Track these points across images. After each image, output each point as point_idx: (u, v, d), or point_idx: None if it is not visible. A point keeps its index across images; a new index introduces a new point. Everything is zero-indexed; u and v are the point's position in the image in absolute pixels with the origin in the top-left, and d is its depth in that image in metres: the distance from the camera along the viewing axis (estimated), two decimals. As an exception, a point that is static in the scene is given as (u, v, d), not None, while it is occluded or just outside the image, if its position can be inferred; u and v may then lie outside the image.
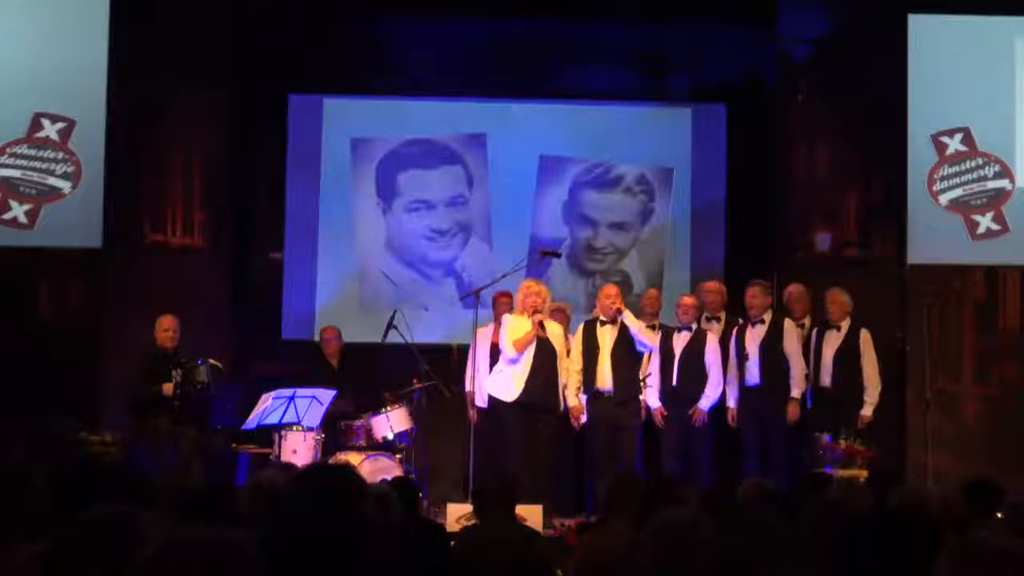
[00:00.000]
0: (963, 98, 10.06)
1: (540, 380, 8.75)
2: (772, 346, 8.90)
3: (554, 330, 8.93)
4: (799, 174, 10.35)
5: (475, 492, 6.97)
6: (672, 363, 8.99)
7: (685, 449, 8.94)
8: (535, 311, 8.69)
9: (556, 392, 8.86)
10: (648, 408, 9.00)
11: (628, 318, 8.80)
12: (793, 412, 8.84)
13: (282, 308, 10.69)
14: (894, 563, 3.22)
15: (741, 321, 9.14)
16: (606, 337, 8.87)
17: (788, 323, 9.00)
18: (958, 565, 2.58)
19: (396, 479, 6.72)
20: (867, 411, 8.83)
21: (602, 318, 8.92)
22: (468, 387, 9.21)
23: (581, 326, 9.09)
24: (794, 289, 9.32)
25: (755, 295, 9.00)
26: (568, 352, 8.97)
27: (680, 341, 9.02)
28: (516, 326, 8.79)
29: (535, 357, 8.75)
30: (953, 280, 10.07)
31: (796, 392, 8.87)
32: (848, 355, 8.90)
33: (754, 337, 8.96)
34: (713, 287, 9.44)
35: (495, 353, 9.04)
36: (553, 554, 5.87)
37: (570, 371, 8.88)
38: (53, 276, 9.95)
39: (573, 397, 8.87)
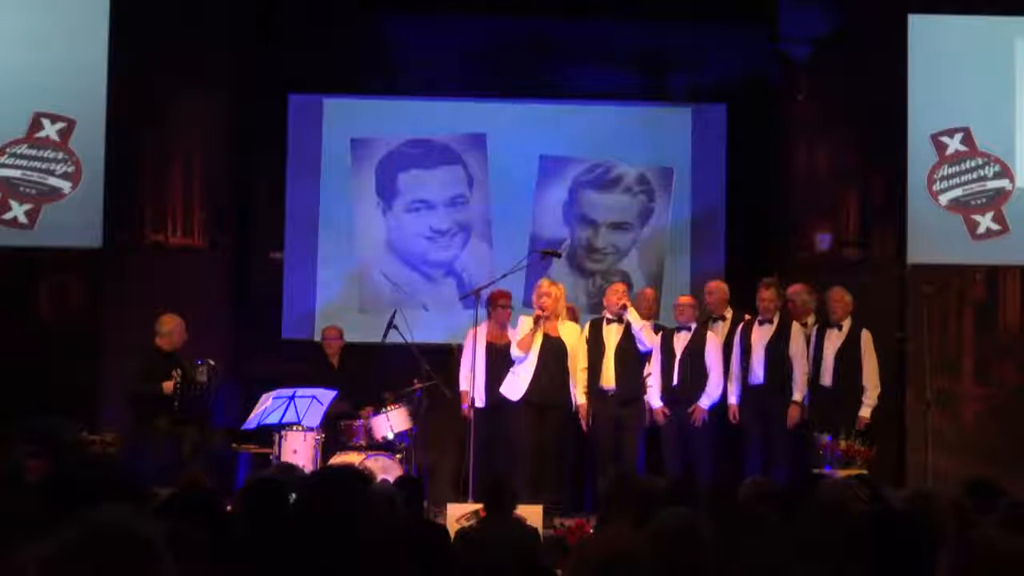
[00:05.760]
0: (963, 98, 10.06)
1: (547, 378, 8.79)
2: (777, 347, 8.89)
3: (570, 329, 8.97)
4: (799, 174, 10.35)
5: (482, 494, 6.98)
6: (673, 363, 8.99)
7: (686, 449, 8.94)
8: (538, 309, 8.74)
9: (566, 389, 8.88)
10: (650, 408, 9.01)
11: (632, 315, 8.83)
12: (793, 415, 8.83)
13: (282, 308, 10.68)
14: (896, 563, 3.22)
15: (747, 317, 9.13)
16: (611, 336, 8.90)
17: (795, 326, 8.98)
18: (962, 565, 2.58)
19: (402, 478, 6.73)
20: (865, 412, 8.81)
21: (608, 316, 8.94)
22: (463, 386, 9.20)
23: (587, 324, 9.12)
24: (796, 288, 9.31)
25: (771, 297, 8.96)
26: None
27: (680, 341, 9.02)
28: (524, 326, 8.86)
29: (540, 355, 8.80)
30: (953, 280, 10.06)
31: (797, 396, 8.87)
32: (849, 354, 8.90)
33: (761, 336, 8.95)
34: (713, 287, 9.44)
35: (490, 352, 9.04)
36: (553, 554, 5.89)
37: (577, 370, 8.90)
38: (53, 276, 9.95)
39: (581, 396, 8.89)
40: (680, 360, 8.98)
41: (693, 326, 9.06)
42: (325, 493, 4.00)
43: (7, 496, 3.28)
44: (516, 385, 8.84)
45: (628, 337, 8.86)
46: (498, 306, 9.23)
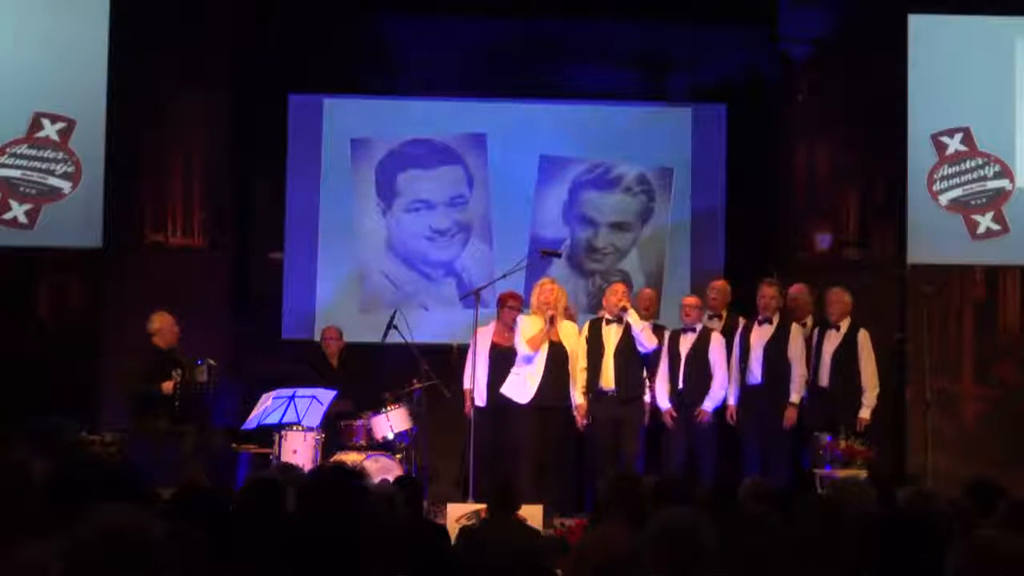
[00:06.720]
0: (963, 98, 10.06)
1: (552, 383, 8.79)
2: (777, 347, 8.87)
3: (569, 330, 8.97)
4: (799, 174, 10.34)
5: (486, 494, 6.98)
6: (679, 364, 8.98)
7: (690, 449, 8.93)
8: (548, 307, 8.74)
9: (568, 391, 8.89)
10: (651, 409, 9.00)
11: (632, 317, 8.81)
12: (790, 417, 8.81)
13: (282, 308, 10.69)
14: (901, 563, 3.22)
15: (743, 321, 9.12)
16: (611, 336, 8.89)
17: (795, 327, 8.96)
18: (962, 565, 2.58)
19: (401, 478, 6.72)
20: (864, 414, 8.76)
21: (608, 317, 8.94)
22: (467, 385, 9.22)
23: (587, 324, 9.11)
24: (796, 289, 9.31)
25: (772, 295, 8.95)
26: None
27: (686, 342, 9.02)
28: (530, 326, 8.85)
29: (548, 360, 8.81)
30: (953, 280, 10.07)
31: (795, 397, 8.84)
32: (846, 355, 8.87)
33: (760, 336, 8.93)
34: (719, 286, 9.44)
35: (495, 353, 9.04)
36: (553, 554, 5.89)
37: (576, 370, 8.89)
38: (53, 276, 9.96)
39: (579, 395, 8.88)
40: (685, 362, 8.97)
41: (699, 327, 9.05)
42: (320, 493, 4.01)
43: (7, 496, 3.28)
44: (521, 388, 8.82)
45: (628, 338, 8.85)
46: (506, 307, 9.22)
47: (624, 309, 8.81)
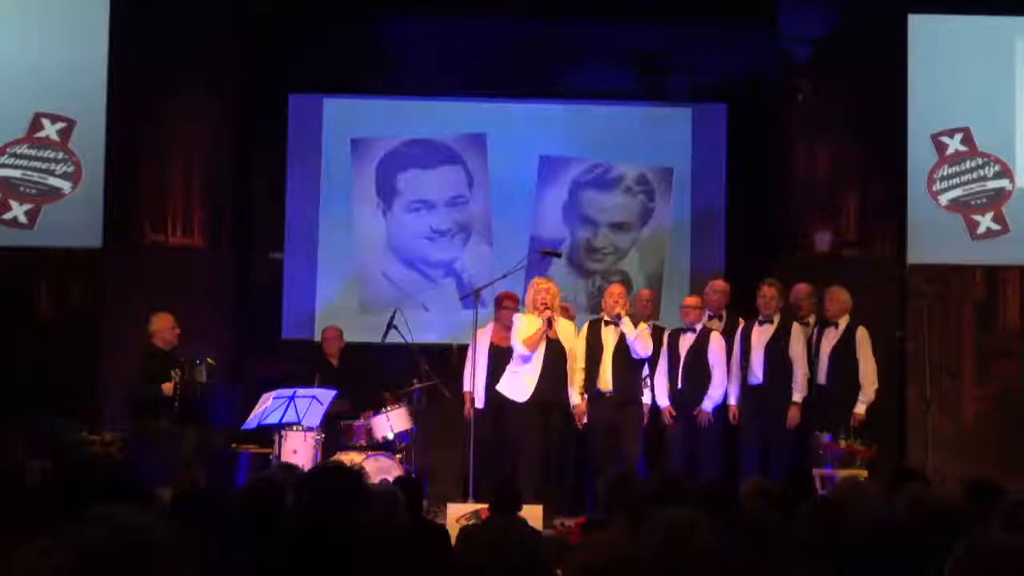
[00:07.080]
0: (963, 98, 10.07)
1: (550, 380, 8.77)
2: (778, 347, 8.87)
3: (567, 328, 8.95)
4: (799, 174, 10.34)
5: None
6: (678, 364, 8.98)
7: (691, 450, 8.93)
8: (545, 308, 8.71)
9: (566, 390, 8.87)
10: (650, 409, 8.99)
11: (625, 325, 8.76)
12: (793, 417, 8.82)
13: (282, 308, 10.69)
14: (901, 563, 3.22)
15: (742, 323, 9.12)
16: (609, 338, 8.87)
17: (796, 327, 8.97)
18: (970, 565, 2.58)
19: (400, 478, 6.73)
20: (860, 409, 8.78)
21: (606, 318, 8.93)
22: (467, 387, 9.22)
23: (586, 325, 9.09)
24: (801, 288, 9.30)
25: (773, 295, 8.95)
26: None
27: (685, 342, 9.02)
28: (526, 325, 8.82)
29: (545, 357, 8.77)
30: (953, 280, 10.07)
31: (797, 396, 8.84)
32: (844, 353, 8.88)
33: (761, 336, 8.93)
34: (718, 287, 9.43)
35: (494, 353, 9.04)
36: (553, 554, 5.89)
37: (574, 370, 8.88)
38: (53, 276, 9.96)
39: (577, 396, 8.87)
40: (684, 362, 8.97)
41: (699, 327, 9.05)
42: (320, 493, 4.01)
43: (7, 496, 3.29)
44: (519, 386, 8.81)
45: (626, 340, 8.83)
46: (502, 307, 9.21)
47: (619, 317, 8.77)
